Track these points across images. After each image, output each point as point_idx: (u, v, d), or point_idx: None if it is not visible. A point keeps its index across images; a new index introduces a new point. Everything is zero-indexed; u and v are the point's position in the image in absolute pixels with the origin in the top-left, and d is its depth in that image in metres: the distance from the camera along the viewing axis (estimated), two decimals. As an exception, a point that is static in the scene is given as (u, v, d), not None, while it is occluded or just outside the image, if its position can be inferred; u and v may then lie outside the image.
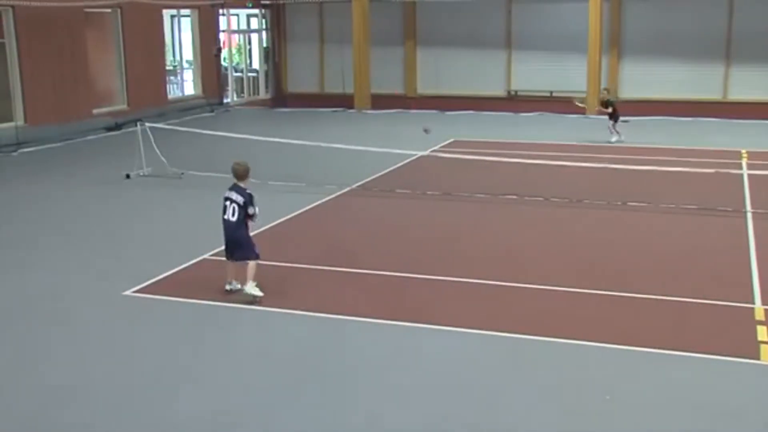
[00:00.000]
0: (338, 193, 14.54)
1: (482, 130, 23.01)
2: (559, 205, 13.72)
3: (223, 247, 9.32)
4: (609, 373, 7.32)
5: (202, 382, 7.16)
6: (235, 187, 9.16)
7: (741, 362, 7.46)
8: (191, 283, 9.83)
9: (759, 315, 8.56)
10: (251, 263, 9.03)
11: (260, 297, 8.92)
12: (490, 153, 17.17)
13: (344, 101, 28.56)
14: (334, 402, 6.74)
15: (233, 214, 9.06)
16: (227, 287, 9.28)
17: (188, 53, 28.37)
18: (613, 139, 20.22)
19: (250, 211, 9.05)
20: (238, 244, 9.13)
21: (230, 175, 9.28)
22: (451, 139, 20.80)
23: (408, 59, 29.68)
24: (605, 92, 21.87)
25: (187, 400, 6.81)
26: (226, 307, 8.92)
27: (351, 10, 27.71)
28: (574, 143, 20.22)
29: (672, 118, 24.99)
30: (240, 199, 9.05)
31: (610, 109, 20.35)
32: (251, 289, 8.96)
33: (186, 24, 28.05)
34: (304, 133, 20.47)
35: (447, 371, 7.33)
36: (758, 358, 7.52)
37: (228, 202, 9.10)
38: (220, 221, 9.20)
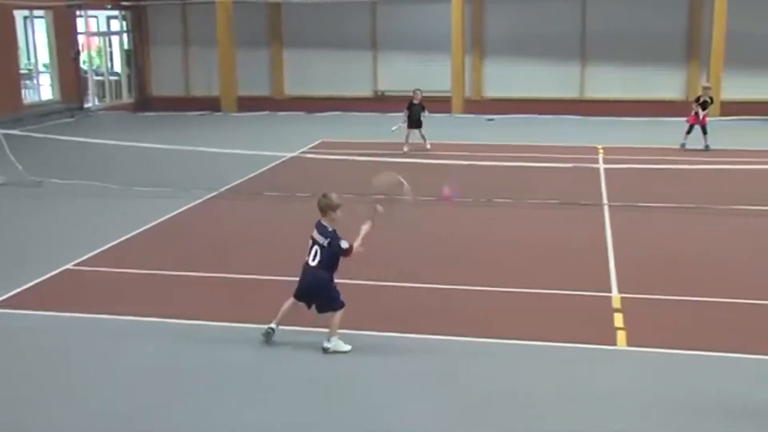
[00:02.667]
0: (206, 197, 14.32)
1: (350, 131, 23.16)
2: (424, 203, 13.94)
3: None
4: (475, 365, 7.52)
5: (71, 396, 6.94)
6: (320, 226, 7.76)
7: (600, 348, 7.82)
8: (54, 295, 9.49)
9: (616, 303, 8.99)
10: (337, 314, 7.69)
11: (348, 351, 7.64)
12: (358, 153, 17.30)
13: (211, 104, 28.16)
14: (203, 409, 6.66)
15: (314, 258, 7.66)
16: (271, 326, 7.82)
17: (44, 56, 27.30)
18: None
19: (343, 245, 7.60)
20: (317, 293, 7.70)
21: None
22: (319, 140, 20.85)
23: (274, 61, 29.55)
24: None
25: (55, 415, 6.59)
26: (93, 318, 8.64)
27: (215, 12, 27.35)
28: (441, 141, 20.59)
29: (533, 116, 25.83)
30: (322, 239, 7.65)
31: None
32: (336, 344, 7.64)
33: (40, 25, 26.98)
34: (170, 137, 20.03)
35: (317, 373, 7.37)
36: (615, 344, 7.90)
37: (313, 245, 7.72)
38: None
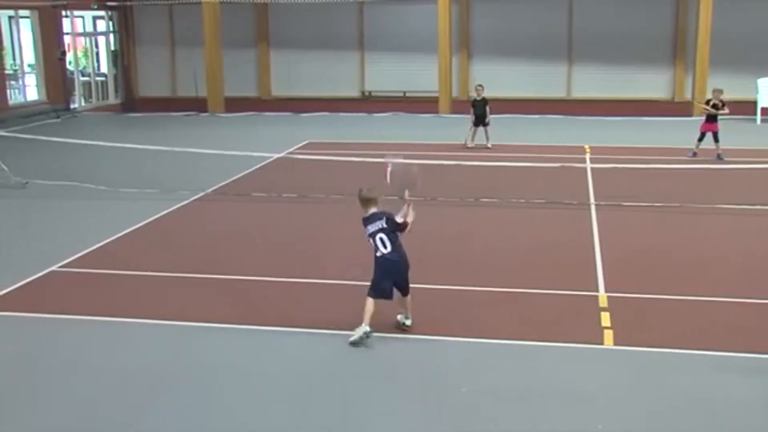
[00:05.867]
0: (193, 199, 14.28)
1: (337, 131, 23.15)
2: (413, 202, 13.92)
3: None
4: (462, 365, 7.52)
5: (57, 398, 6.90)
6: (370, 217, 7.90)
7: (587, 348, 7.83)
8: (40, 296, 9.43)
9: (603, 302, 9.00)
10: (409, 297, 8.11)
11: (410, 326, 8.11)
12: (345, 154, 17.28)
13: (197, 105, 28.08)
14: (190, 411, 6.63)
15: (384, 246, 7.79)
16: (407, 322, 8.18)
17: (29, 56, 27.16)
18: None
19: (399, 219, 7.81)
20: (405, 274, 7.99)
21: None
22: (306, 141, 20.82)
23: (261, 61, 29.51)
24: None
25: (41, 416, 6.55)
26: (79, 320, 8.60)
27: (201, 12, 27.27)
28: (428, 142, 20.62)
29: (520, 116, 25.86)
30: (381, 223, 7.79)
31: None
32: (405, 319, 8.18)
33: (26, 25, 26.85)
34: (157, 138, 19.96)
35: (304, 373, 7.35)
36: (602, 343, 7.92)
37: (374, 237, 7.81)
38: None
